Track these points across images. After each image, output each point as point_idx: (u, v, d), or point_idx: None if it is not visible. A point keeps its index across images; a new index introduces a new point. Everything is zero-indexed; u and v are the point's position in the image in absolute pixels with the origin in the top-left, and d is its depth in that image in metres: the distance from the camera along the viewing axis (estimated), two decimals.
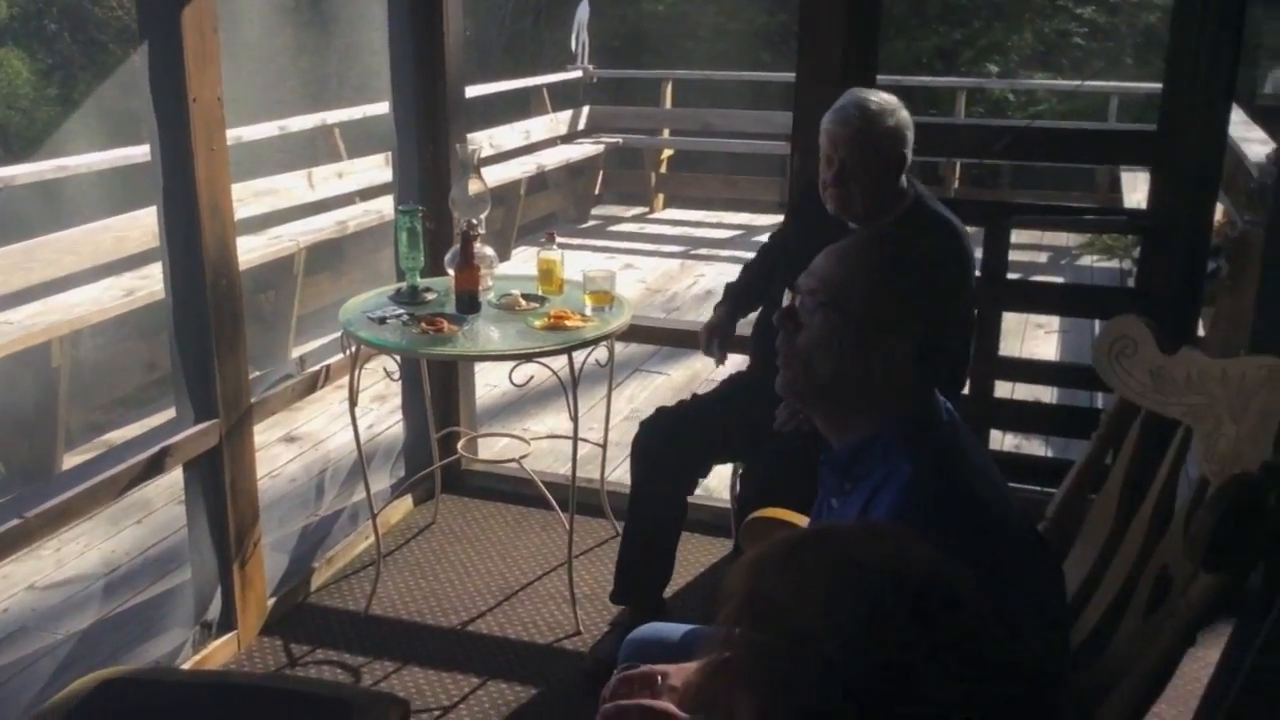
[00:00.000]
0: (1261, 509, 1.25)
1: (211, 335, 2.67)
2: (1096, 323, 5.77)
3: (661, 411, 2.84)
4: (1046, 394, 4.14)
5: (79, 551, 3.50)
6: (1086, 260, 7.22)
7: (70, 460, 4.33)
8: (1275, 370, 1.44)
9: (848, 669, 0.95)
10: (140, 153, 4.43)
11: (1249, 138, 4.71)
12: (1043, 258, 7.15)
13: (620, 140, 8.79)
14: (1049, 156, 5.58)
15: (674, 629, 1.95)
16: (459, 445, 3.51)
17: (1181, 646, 1.38)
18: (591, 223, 8.49)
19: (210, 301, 2.64)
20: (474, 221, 3.02)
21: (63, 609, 3.21)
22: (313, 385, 3.18)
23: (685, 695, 1.53)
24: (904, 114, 2.47)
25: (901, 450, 1.38)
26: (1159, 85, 3.06)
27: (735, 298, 2.97)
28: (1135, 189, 6.91)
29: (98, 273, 4.69)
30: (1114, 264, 7.01)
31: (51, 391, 4.25)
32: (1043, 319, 5.67)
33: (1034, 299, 3.47)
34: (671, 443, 2.74)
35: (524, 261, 6.73)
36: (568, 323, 2.89)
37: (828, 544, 1.03)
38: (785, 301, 1.52)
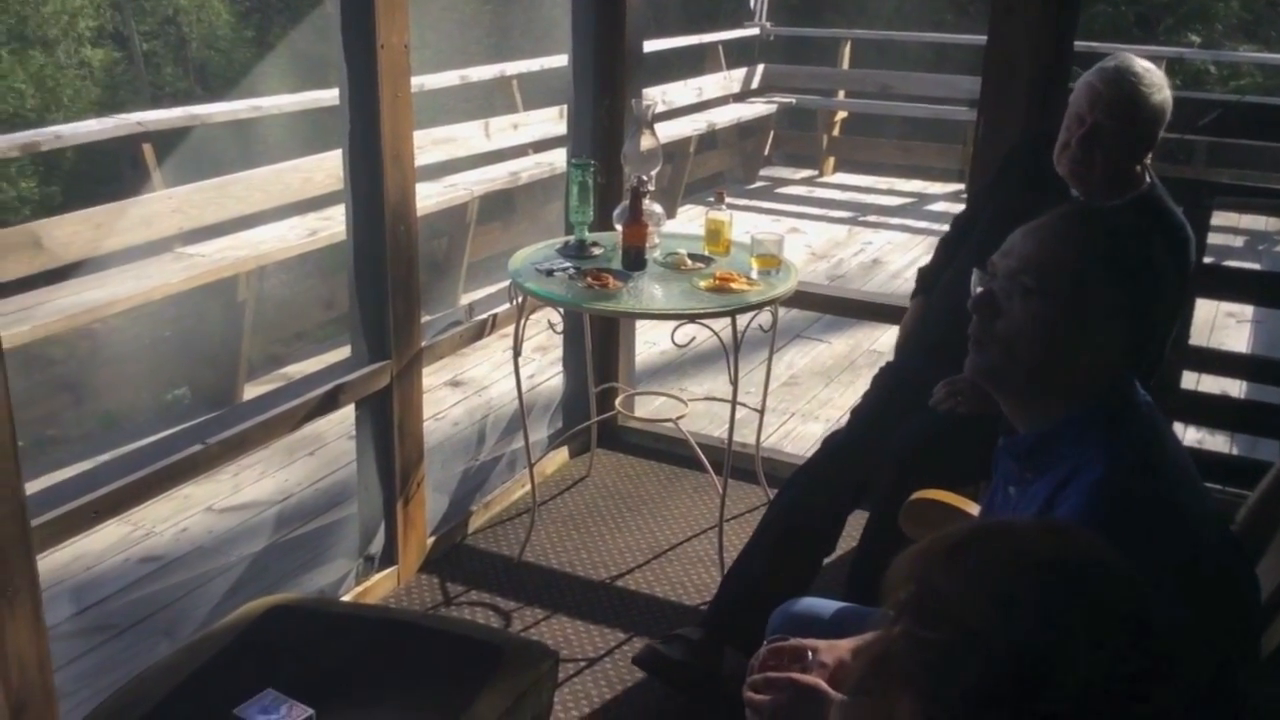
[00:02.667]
0: None
1: (388, 279, 2.74)
2: None
3: (837, 439, 2.68)
4: (1234, 388, 3.90)
5: (255, 478, 3.68)
6: None
7: (250, 390, 4.55)
8: None
9: (1016, 674, 0.90)
10: (329, 96, 4.57)
11: None
12: (1238, 242, 6.72)
13: (794, 100, 8.63)
14: (1259, 134, 5.23)
15: (826, 605, 1.92)
16: (616, 401, 3.53)
17: None
18: (759, 184, 8.39)
19: (388, 246, 2.70)
20: (644, 178, 3.01)
21: (237, 532, 3.39)
22: (480, 332, 3.24)
23: (842, 678, 1.50)
24: (1169, 94, 2.32)
25: (1096, 442, 1.30)
26: None
27: (929, 282, 2.81)
28: None
29: (284, 211, 4.88)
30: None
31: (237, 323, 4.47)
32: (1235, 307, 5.34)
33: (1232, 286, 3.26)
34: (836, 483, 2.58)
35: (690, 220, 6.71)
36: (733, 285, 2.86)
37: (1003, 540, 0.98)
38: (975, 281, 1.44)
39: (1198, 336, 3.28)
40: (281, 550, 3.26)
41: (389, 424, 2.85)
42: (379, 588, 2.90)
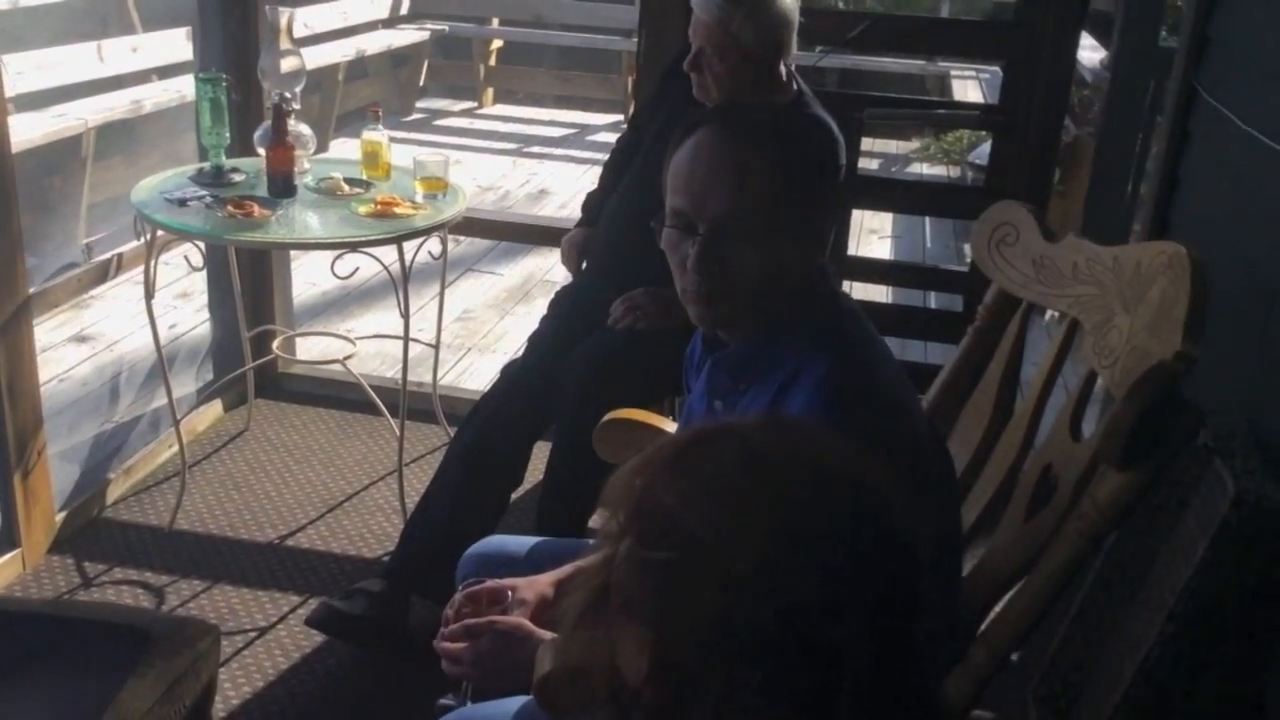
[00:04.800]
0: (1179, 402, 1.17)
1: None
2: (928, 226, 5.87)
3: (515, 367, 2.53)
4: (880, 295, 4.10)
5: None
6: (916, 168, 7.28)
7: None
8: (1175, 257, 1.35)
9: (756, 586, 0.79)
10: None
11: (1080, 44, 4.76)
12: (874, 164, 7.16)
13: (446, 28, 8.32)
14: (905, 47, 5.52)
15: (519, 541, 1.79)
16: (274, 345, 3.21)
17: (1088, 550, 1.29)
18: (416, 115, 8.04)
19: None
20: (287, 95, 2.71)
21: None
22: (102, 275, 2.83)
23: (556, 614, 1.37)
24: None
25: (815, 342, 1.23)
26: None
27: (595, 211, 2.72)
28: (966, 94, 6.98)
29: None
30: (943, 171, 7.09)
31: None
32: (876, 224, 5.68)
33: (883, 196, 3.40)
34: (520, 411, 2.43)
35: (344, 154, 6.29)
36: (397, 210, 2.64)
37: (728, 441, 0.85)
38: (665, 238, 1.33)
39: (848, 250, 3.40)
40: None
41: None
42: None
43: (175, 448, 2.89)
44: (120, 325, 3.90)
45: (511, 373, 2.52)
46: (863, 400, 1.17)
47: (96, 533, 2.73)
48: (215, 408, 3.27)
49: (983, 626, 1.41)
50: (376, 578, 2.40)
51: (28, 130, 4.20)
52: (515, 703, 1.41)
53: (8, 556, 2.50)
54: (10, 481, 2.48)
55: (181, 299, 4.02)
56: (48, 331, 3.75)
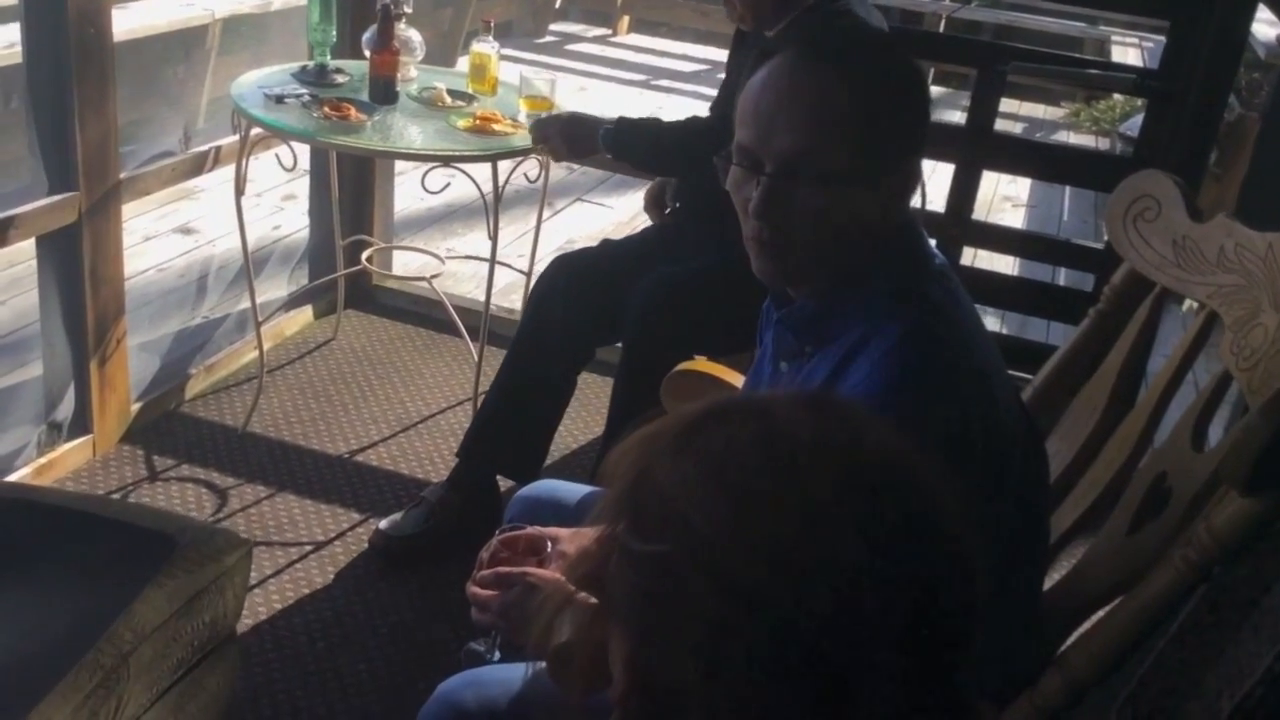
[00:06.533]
0: None
1: (72, 94, 2.26)
2: (1066, 198, 5.53)
3: (568, 259, 2.44)
4: (1006, 266, 3.86)
5: None
6: (1064, 135, 6.88)
7: None
8: None
9: (757, 596, 0.65)
10: None
11: (1257, 17, 4.36)
12: (1017, 128, 6.79)
13: None
14: None
15: (572, 489, 1.67)
16: (365, 257, 3.15)
17: (1195, 580, 1.11)
18: (548, 39, 7.91)
19: (73, 52, 2.22)
20: None
21: None
22: (199, 167, 2.78)
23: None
24: None
25: (888, 306, 1.07)
26: None
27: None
28: (1126, 57, 6.55)
29: None
30: (1092, 141, 6.69)
31: None
32: (1012, 192, 5.37)
33: (1020, 160, 3.14)
34: (577, 299, 2.32)
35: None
36: (495, 126, 2.52)
37: (747, 418, 0.70)
38: (731, 176, 1.18)
39: (977, 216, 3.17)
40: None
41: (78, 268, 2.40)
42: (68, 459, 2.48)
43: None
44: (223, 221, 3.89)
45: (577, 266, 2.40)
46: (935, 381, 1.01)
47: (170, 427, 2.72)
48: (305, 314, 3.23)
49: (1063, 648, 1.25)
50: (438, 484, 2.42)
51: (151, 17, 4.20)
52: (533, 668, 1.30)
53: (78, 442, 2.50)
54: (87, 367, 2.47)
55: (289, 200, 4.00)
56: (154, 220, 3.77)
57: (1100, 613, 1.25)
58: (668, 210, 2.53)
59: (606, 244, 2.52)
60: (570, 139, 2.33)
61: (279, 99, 2.49)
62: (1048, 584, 1.40)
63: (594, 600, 1.18)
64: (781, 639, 0.62)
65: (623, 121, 2.32)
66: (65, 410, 2.50)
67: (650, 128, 2.33)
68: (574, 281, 2.33)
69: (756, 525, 0.64)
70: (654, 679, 0.68)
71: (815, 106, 1.08)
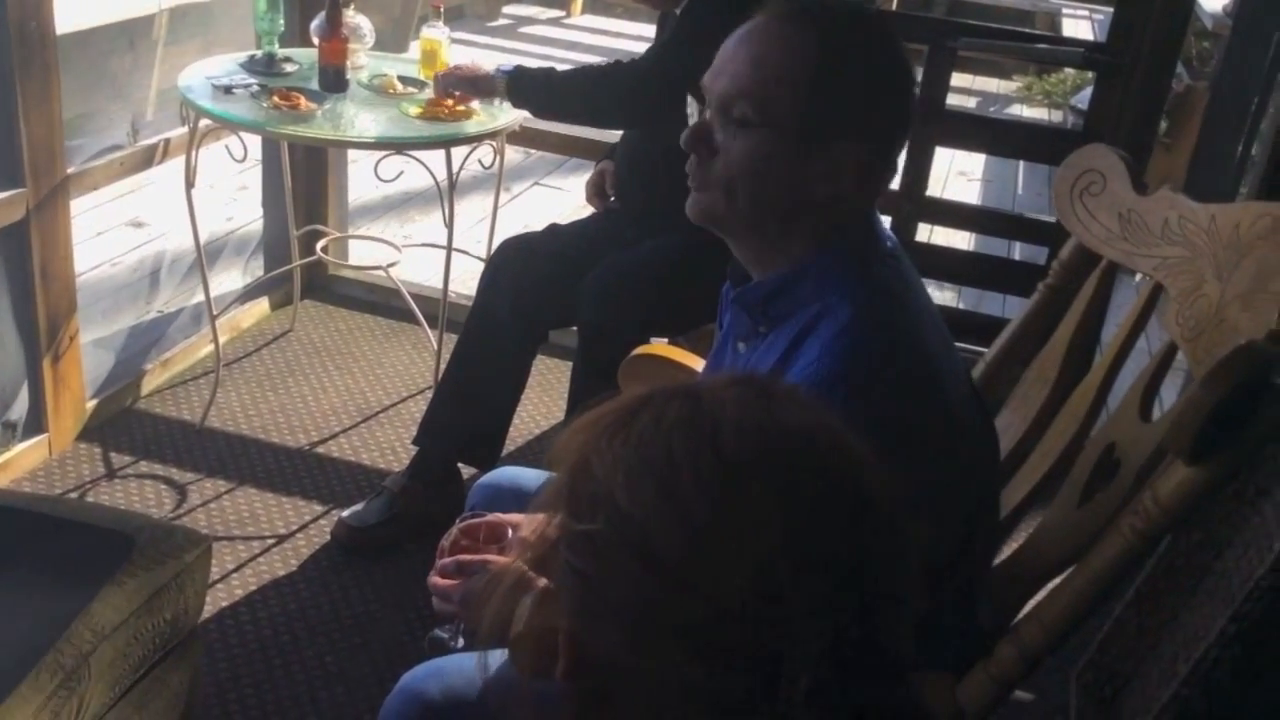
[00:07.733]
0: (1268, 390, 1.00)
1: (16, 89, 2.23)
2: (1020, 172, 5.58)
3: (515, 241, 2.42)
4: (961, 241, 3.89)
5: None
6: (1017, 109, 6.93)
7: None
8: None
9: (683, 574, 0.66)
10: None
11: None
12: (971, 102, 6.83)
13: None
14: None
15: (534, 476, 1.67)
16: (320, 246, 3.12)
17: (1142, 549, 1.13)
18: (501, 22, 7.85)
19: (14, 46, 2.19)
20: None
21: None
22: (148, 160, 2.75)
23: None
24: None
25: (840, 286, 1.08)
26: None
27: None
28: (1076, 31, 6.61)
29: None
30: (1045, 114, 6.74)
31: None
32: (966, 166, 5.41)
33: (970, 135, 3.17)
34: (525, 281, 2.30)
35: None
36: (448, 114, 2.51)
37: (680, 401, 0.71)
38: (690, 109, 1.19)
39: (932, 192, 3.19)
40: None
41: (27, 266, 2.37)
42: (24, 459, 2.46)
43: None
44: (175, 214, 3.84)
45: (524, 249, 2.39)
46: (879, 365, 1.02)
47: (127, 423, 2.69)
48: (262, 305, 3.20)
49: (1017, 619, 1.27)
50: (399, 473, 2.41)
51: (97, 8, 4.12)
52: (496, 656, 1.30)
53: (34, 441, 2.47)
54: (40, 366, 2.44)
55: (242, 191, 3.95)
56: (105, 215, 3.71)
57: (1053, 583, 1.27)
58: (611, 199, 2.52)
59: (554, 227, 2.50)
60: (472, 84, 2.43)
61: (227, 89, 2.47)
62: (1003, 555, 1.42)
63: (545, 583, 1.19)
64: (707, 614, 0.64)
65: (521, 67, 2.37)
66: (19, 410, 2.47)
67: (554, 73, 2.37)
68: (521, 264, 2.32)
69: (678, 504, 0.65)
70: (590, 656, 0.69)
71: (768, 55, 1.08)
